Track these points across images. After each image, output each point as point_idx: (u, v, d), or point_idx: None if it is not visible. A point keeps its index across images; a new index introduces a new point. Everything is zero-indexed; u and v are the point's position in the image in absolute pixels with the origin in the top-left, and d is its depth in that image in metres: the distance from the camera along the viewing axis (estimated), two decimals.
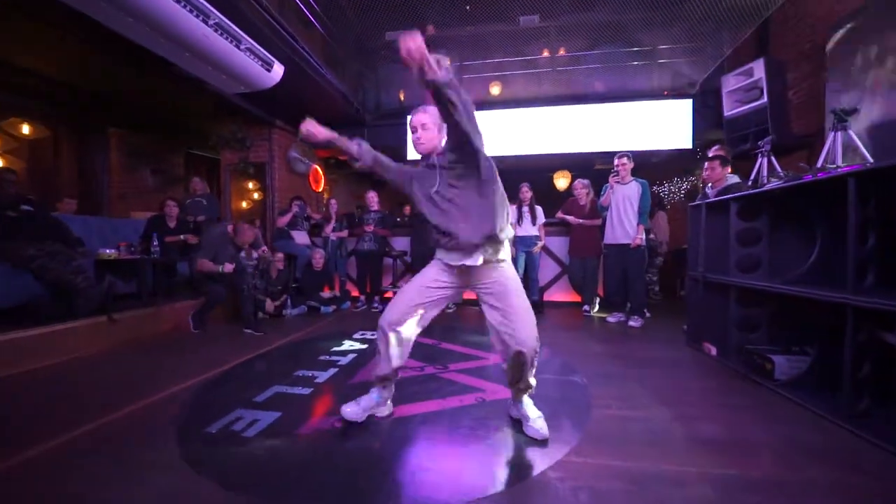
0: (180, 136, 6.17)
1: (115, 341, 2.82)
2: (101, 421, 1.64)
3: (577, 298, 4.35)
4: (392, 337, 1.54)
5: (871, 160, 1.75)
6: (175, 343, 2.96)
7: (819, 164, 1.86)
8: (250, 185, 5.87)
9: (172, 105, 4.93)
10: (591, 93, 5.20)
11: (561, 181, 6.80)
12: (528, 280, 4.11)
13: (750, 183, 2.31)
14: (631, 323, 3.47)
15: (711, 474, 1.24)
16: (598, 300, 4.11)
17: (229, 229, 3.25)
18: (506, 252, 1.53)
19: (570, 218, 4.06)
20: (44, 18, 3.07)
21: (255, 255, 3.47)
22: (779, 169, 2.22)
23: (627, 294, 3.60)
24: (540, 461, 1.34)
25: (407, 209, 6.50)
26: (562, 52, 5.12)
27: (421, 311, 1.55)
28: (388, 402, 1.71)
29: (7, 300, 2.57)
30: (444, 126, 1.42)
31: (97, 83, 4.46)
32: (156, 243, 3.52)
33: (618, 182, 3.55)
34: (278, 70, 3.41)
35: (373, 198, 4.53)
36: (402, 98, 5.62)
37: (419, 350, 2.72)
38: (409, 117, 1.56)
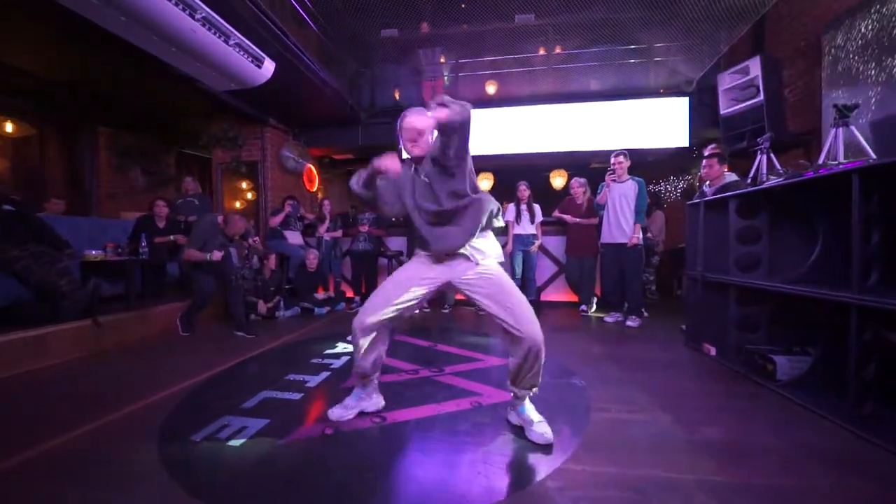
0: (172, 134, 6.07)
1: (101, 345, 2.74)
2: (82, 429, 1.57)
3: (575, 298, 4.32)
4: (369, 335, 1.54)
5: (874, 156, 1.72)
6: (163, 346, 2.88)
7: (820, 161, 1.82)
8: (243, 184, 5.79)
9: (163, 103, 4.82)
10: (588, 91, 5.16)
11: (557, 180, 6.76)
12: (526, 280, 4.07)
13: (749, 180, 2.27)
14: (629, 323, 3.44)
15: (713, 481, 1.20)
16: (595, 300, 4.08)
17: (220, 220, 3.18)
18: (488, 247, 1.54)
19: (566, 217, 4.02)
20: (26, 12, 2.98)
21: (245, 245, 3.42)
22: (778, 166, 2.18)
23: (625, 294, 3.57)
24: (538, 469, 1.29)
25: None
26: (558, 50, 5.09)
27: (400, 308, 1.54)
28: (375, 394, 1.71)
29: None
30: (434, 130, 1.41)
31: (84, 81, 4.35)
32: (144, 244, 3.43)
33: (614, 180, 3.51)
34: (269, 66, 3.33)
35: None
36: (396, 96, 5.56)
37: (415, 352, 2.67)
38: (405, 119, 1.50)
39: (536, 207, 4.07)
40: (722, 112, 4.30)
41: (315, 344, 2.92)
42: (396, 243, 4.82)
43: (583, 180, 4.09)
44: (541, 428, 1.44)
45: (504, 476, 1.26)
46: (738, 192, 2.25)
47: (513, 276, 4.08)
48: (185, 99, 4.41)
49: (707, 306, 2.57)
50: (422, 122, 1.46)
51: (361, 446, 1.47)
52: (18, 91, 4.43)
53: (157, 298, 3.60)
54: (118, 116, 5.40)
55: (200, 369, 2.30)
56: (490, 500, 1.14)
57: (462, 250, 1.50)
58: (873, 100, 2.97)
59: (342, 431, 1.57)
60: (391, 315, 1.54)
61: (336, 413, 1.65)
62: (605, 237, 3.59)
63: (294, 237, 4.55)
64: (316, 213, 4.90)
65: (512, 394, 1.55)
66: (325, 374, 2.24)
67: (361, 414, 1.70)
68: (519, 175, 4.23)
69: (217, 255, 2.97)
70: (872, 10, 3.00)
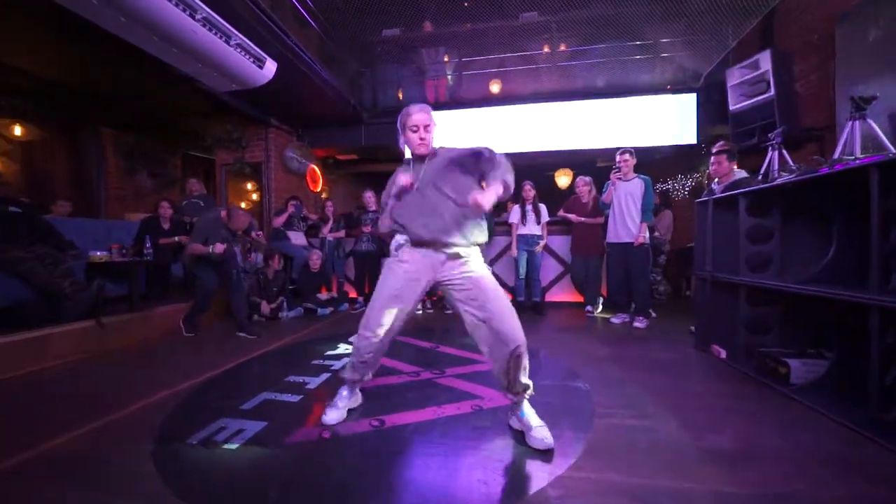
0: (177, 136, 6.11)
1: (104, 346, 2.75)
2: (81, 430, 1.57)
3: (580, 299, 4.25)
4: (372, 351, 1.58)
5: (893, 150, 1.64)
6: (165, 347, 2.89)
7: (836, 156, 1.75)
8: (249, 185, 5.81)
9: (163, 104, 4.84)
10: (593, 88, 5.08)
11: (562, 179, 6.70)
12: (530, 280, 4.01)
13: (760, 177, 2.20)
14: (636, 324, 3.37)
15: (723, 492, 1.15)
16: (601, 300, 4.01)
17: (223, 214, 3.17)
18: (474, 252, 1.55)
19: (571, 216, 3.96)
20: (32, 16, 3.01)
21: (248, 240, 3.43)
22: (791, 162, 2.11)
23: (631, 294, 3.50)
24: (538, 476, 1.24)
25: None
26: (563, 47, 5.02)
27: (398, 316, 1.55)
28: (358, 391, 1.78)
29: None
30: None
31: (86, 81, 4.38)
32: (148, 245, 3.45)
33: (620, 178, 3.44)
34: (270, 67, 3.33)
35: (370, 198, 4.46)
36: (399, 96, 5.53)
37: (416, 354, 2.64)
38: (410, 115, 1.51)
39: (542, 207, 4.02)
40: (731, 108, 4.20)
41: (317, 345, 2.90)
42: None
43: (588, 179, 4.02)
44: (540, 433, 1.40)
45: (504, 483, 1.22)
46: (748, 189, 2.18)
47: (517, 276, 4.04)
48: (186, 100, 4.43)
49: (716, 307, 2.50)
50: (422, 118, 1.49)
51: (359, 451, 1.43)
52: (28, 94, 4.49)
53: (160, 300, 3.62)
54: (120, 118, 5.44)
55: (201, 370, 2.29)
56: None
57: (451, 248, 1.50)
58: (892, 91, 2.85)
59: (340, 435, 1.54)
60: (393, 324, 1.55)
61: (332, 417, 1.63)
62: (611, 236, 3.52)
63: (297, 238, 4.55)
64: (319, 213, 4.89)
65: (510, 399, 1.52)
66: (325, 376, 2.21)
67: (359, 417, 1.67)
68: (523, 174, 4.17)
69: (219, 247, 2.95)
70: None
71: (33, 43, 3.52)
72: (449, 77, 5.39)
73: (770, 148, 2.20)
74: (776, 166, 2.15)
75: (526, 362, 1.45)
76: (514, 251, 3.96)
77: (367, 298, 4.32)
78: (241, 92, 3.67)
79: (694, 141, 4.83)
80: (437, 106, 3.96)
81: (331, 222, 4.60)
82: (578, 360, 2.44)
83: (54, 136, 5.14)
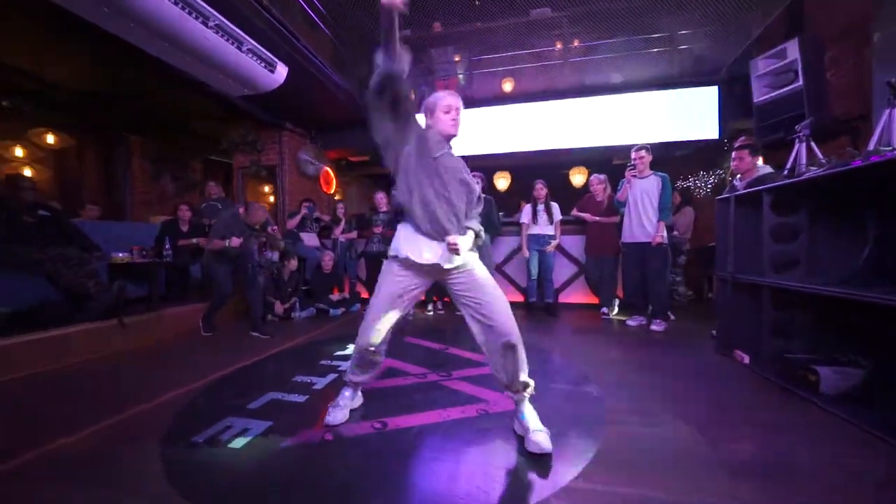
0: (197, 141, 6.32)
1: (125, 345, 2.85)
2: (93, 428, 1.61)
3: (595, 300, 4.13)
4: (373, 358, 1.60)
5: None
6: (182, 347, 2.97)
7: (871, 147, 1.62)
8: (266, 188, 5.95)
9: (187, 111, 5.03)
10: (609, 83, 4.95)
11: (577, 177, 6.55)
12: (543, 281, 3.92)
13: (786, 172, 2.07)
14: (653, 327, 3.24)
15: None
16: (616, 302, 3.88)
17: (240, 210, 3.27)
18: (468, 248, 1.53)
19: (585, 215, 3.86)
20: (68, 33, 3.16)
21: (263, 235, 3.51)
22: (820, 155, 1.97)
23: (648, 295, 3.37)
24: (541, 486, 1.19)
25: None
26: (576, 42, 4.90)
27: (395, 320, 1.56)
28: (360, 392, 1.80)
29: (20, 302, 2.63)
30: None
31: (118, 92, 4.60)
32: (168, 247, 3.56)
33: (635, 176, 3.33)
34: (282, 71, 3.38)
35: (382, 199, 4.47)
36: (411, 97, 5.54)
37: (425, 355, 2.61)
38: (443, 98, 1.52)
39: (555, 206, 3.93)
40: (755, 100, 3.99)
41: (326, 345, 2.92)
42: None
43: (603, 177, 3.91)
44: (537, 437, 1.35)
45: (505, 492, 1.18)
46: (772, 184, 2.05)
47: (529, 277, 3.97)
48: (203, 105, 4.58)
49: (739, 310, 2.37)
50: (456, 100, 1.53)
51: (360, 454, 1.42)
52: (59, 104, 4.74)
53: (179, 300, 3.73)
54: (145, 125, 5.68)
55: (214, 369, 2.34)
56: None
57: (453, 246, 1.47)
58: None
59: (343, 437, 1.53)
60: (390, 328, 1.56)
61: (335, 417, 1.63)
62: (627, 236, 3.41)
63: (310, 239, 4.61)
64: (331, 215, 4.95)
65: (511, 399, 1.50)
66: (331, 377, 2.22)
67: (362, 419, 1.66)
68: (537, 173, 4.09)
69: (236, 241, 3.04)
70: None
71: (69, 56, 3.73)
72: (460, 76, 5.36)
73: (797, 140, 2.06)
74: (803, 160, 2.01)
75: (523, 357, 1.44)
76: (526, 251, 3.89)
77: None
78: (254, 96, 3.74)
79: (716, 136, 4.63)
80: None
81: (343, 223, 4.64)
82: (591, 364, 2.36)
83: (85, 143, 5.41)
